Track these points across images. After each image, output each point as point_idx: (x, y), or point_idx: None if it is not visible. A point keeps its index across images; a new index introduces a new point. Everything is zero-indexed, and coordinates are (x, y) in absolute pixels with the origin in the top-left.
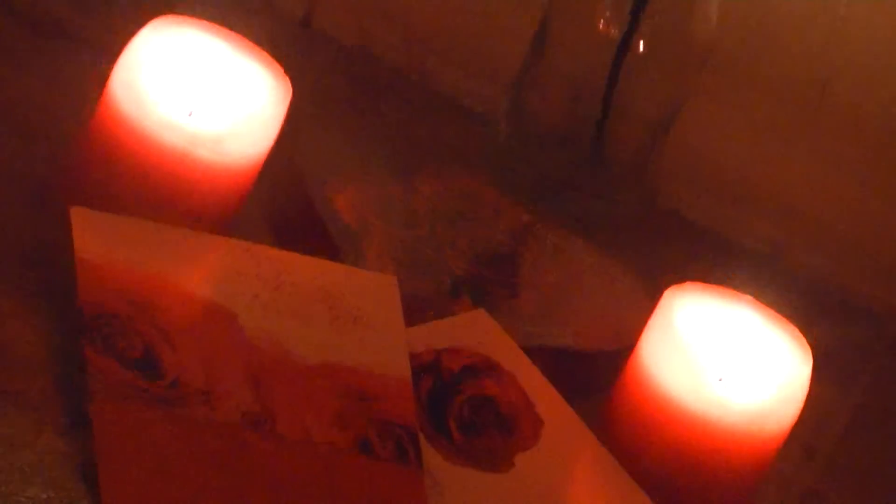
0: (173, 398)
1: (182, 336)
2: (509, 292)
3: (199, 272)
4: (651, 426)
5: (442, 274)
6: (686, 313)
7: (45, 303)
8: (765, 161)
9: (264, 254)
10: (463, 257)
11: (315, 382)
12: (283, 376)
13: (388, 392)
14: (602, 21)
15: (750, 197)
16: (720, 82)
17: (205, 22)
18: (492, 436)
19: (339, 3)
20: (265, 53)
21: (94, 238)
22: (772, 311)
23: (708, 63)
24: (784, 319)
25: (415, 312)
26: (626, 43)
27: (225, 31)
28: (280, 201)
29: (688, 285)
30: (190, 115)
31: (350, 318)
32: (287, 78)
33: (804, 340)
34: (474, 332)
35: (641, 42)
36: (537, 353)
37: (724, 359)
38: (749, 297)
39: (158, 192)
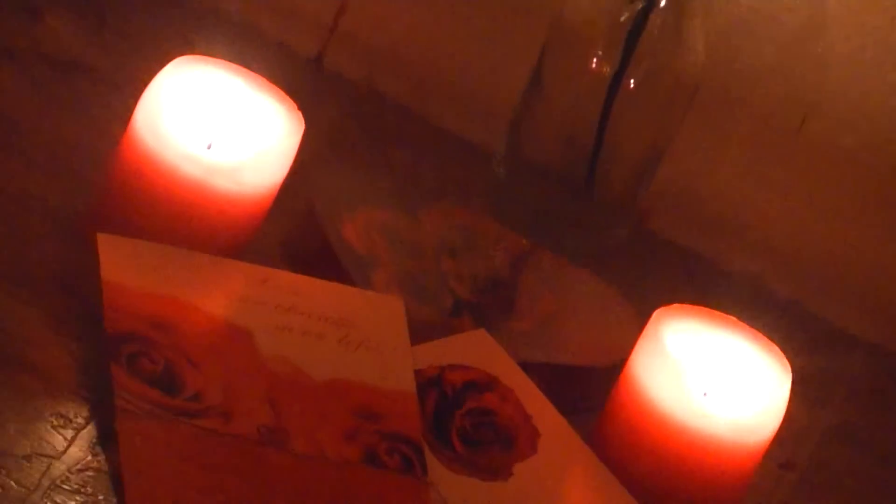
0: (193, 411)
1: (202, 355)
2: (508, 314)
3: (217, 295)
4: (641, 437)
5: (445, 297)
6: (674, 332)
7: (79, 326)
8: (746, 194)
9: (278, 278)
10: (464, 285)
11: (326, 399)
12: (297, 393)
13: (395, 407)
14: (595, 59)
15: (732, 228)
16: (706, 120)
17: (222, 61)
18: (492, 447)
19: (349, 44)
20: (279, 90)
21: (120, 263)
22: (754, 332)
23: (694, 101)
24: (765, 339)
25: (419, 332)
26: (618, 80)
27: (241, 69)
28: (294, 230)
29: (675, 307)
30: (208, 147)
31: (358, 337)
32: (300, 113)
33: (784, 358)
34: (475, 350)
35: (632, 80)
36: (534, 370)
37: (709, 375)
38: (732, 318)
39: (179, 220)
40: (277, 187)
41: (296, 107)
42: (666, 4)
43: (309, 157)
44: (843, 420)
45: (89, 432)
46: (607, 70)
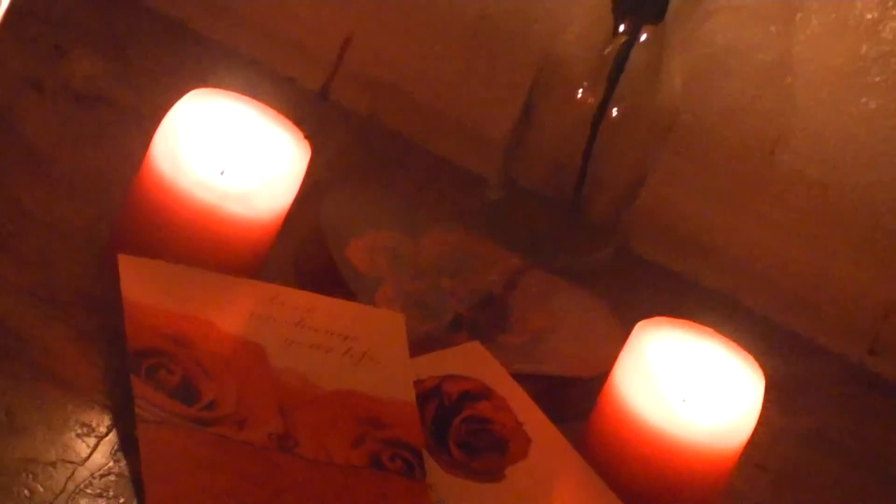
0: (209, 419)
1: (216, 367)
2: (501, 329)
3: (231, 312)
4: (625, 442)
5: (443, 313)
6: (654, 344)
7: (102, 340)
8: (720, 217)
9: (288, 295)
10: (461, 302)
11: (333, 407)
12: (305, 402)
13: (397, 415)
14: (580, 91)
15: (707, 248)
16: (683, 148)
17: (234, 94)
18: (487, 452)
19: (352, 78)
20: (287, 121)
21: (140, 282)
22: (729, 342)
23: (672, 131)
24: (740, 349)
25: (419, 345)
26: (602, 111)
27: (252, 101)
28: (302, 251)
29: (655, 320)
30: (222, 174)
31: (362, 350)
32: (307, 142)
33: (757, 367)
34: (471, 362)
35: (615, 111)
36: (526, 380)
37: (688, 383)
38: (709, 330)
39: (195, 242)
40: (286, 211)
41: (303, 136)
42: (646, 41)
43: (315, 183)
44: (813, 424)
45: (111, 440)
46: (592, 101)
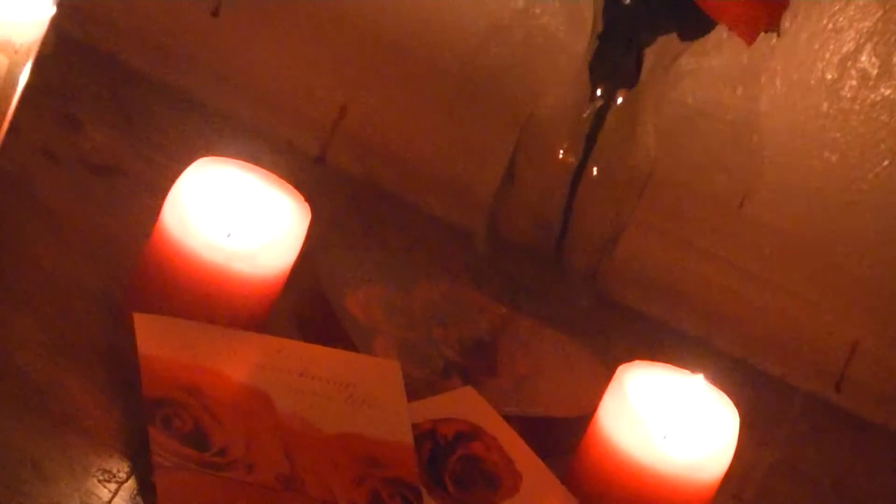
0: (220, 464)
1: (226, 415)
2: (491, 373)
3: (239, 363)
4: (609, 477)
5: (436, 360)
6: (635, 385)
7: (119, 392)
8: (693, 266)
9: (292, 347)
10: (452, 348)
11: (335, 450)
12: (310, 446)
13: (395, 456)
14: (561, 151)
15: (682, 296)
16: (657, 202)
17: (238, 161)
18: (480, 488)
19: (348, 144)
20: (288, 185)
21: (153, 338)
22: (704, 382)
23: (647, 186)
24: (715, 388)
25: (415, 390)
26: (581, 170)
27: (254, 167)
28: (304, 305)
29: (636, 363)
30: (228, 236)
31: (362, 396)
32: (307, 204)
33: (732, 405)
34: (464, 405)
35: (594, 169)
36: (515, 421)
37: (668, 421)
38: (686, 371)
39: (204, 299)
40: (289, 269)
41: (303, 199)
42: (622, 104)
43: (315, 242)
44: (784, 456)
45: (131, 485)
46: (572, 160)
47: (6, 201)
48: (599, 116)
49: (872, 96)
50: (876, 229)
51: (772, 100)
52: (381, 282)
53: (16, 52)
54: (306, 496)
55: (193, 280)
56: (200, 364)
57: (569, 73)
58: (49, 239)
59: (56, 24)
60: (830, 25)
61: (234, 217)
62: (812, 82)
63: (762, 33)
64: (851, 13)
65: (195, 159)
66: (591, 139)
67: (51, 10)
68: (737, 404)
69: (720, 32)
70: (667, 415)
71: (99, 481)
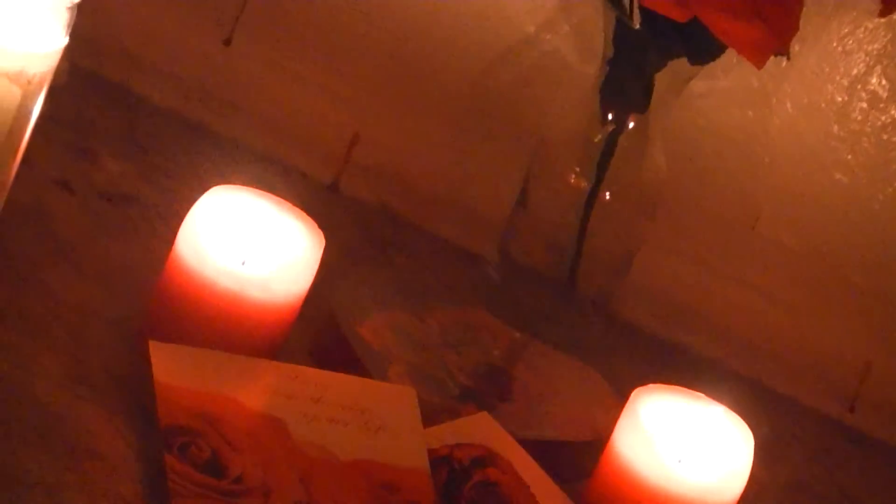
0: (237, 492)
1: (243, 442)
2: (505, 398)
3: (254, 390)
4: (625, 501)
5: (450, 386)
6: (650, 409)
7: (135, 420)
8: (707, 287)
9: (307, 374)
10: (466, 374)
11: (352, 476)
12: (326, 472)
13: (412, 482)
14: (573, 175)
15: (697, 317)
16: (670, 224)
17: (251, 188)
18: None
19: (361, 172)
20: (302, 212)
21: (169, 365)
22: (718, 405)
23: (659, 207)
24: (729, 410)
25: (430, 416)
26: (594, 193)
27: (268, 195)
28: (318, 332)
29: (650, 386)
30: (243, 263)
31: (378, 423)
32: (320, 231)
33: (746, 427)
34: (479, 430)
35: (607, 193)
36: (531, 446)
37: (682, 444)
38: (700, 394)
39: (219, 327)
40: (303, 296)
41: (316, 226)
42: (633, 128)
43: (328, 270)
44: (798, 476)
45: None
46: (584, 185)
47: (21, 232)
48: (611, 141)
49: (882, 118)
50: (888, 249)
51: (783, 122)
52: (395, 308)
53: (29, 82)
54: None
55: (209, 307)
56: (216, 392)
57: (579, 98)
58: (64, 268)
59: (69, 55)
60: (840, 48)
61: (249, 244)
62: (822, 105)
63: (772, 57)
64: (860, 36)
65: (209, 187)
66: (603, 163)
67: (63, 40)
68: (750, 425)
69: (730, 56)
70: (682, 438)
71: None
